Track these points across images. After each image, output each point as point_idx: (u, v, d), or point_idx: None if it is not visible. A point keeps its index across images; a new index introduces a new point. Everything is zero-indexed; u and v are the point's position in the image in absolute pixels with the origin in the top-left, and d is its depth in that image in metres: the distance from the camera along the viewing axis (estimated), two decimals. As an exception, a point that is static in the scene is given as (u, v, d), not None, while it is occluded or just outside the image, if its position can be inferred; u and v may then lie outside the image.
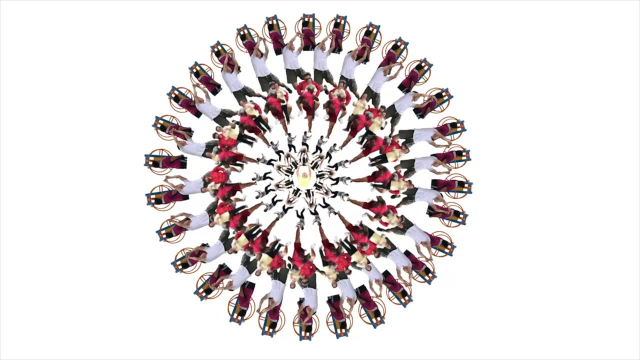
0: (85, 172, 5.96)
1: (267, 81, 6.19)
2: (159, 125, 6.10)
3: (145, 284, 5.93)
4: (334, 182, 6.22)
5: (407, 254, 6.09)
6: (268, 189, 6.20)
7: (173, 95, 6.16)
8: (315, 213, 6.20)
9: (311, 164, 6.20)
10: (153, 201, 6.05)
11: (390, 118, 6.24)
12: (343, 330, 5.87)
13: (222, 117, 6.19)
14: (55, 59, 5.99)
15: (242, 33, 6.14)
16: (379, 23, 6.07)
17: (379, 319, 5.92)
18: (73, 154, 5.96)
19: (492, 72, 6.08)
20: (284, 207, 6.21)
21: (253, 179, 6.20)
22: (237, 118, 6.18)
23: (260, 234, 6.05)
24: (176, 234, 6.07)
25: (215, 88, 6.25)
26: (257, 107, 6.16)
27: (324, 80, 6.27)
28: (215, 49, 6.16)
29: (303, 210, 6.22)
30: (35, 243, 5.87)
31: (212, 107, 6.14)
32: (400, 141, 6.14)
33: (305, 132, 6.22)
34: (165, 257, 5.94)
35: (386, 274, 6.07)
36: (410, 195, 6.12)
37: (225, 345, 5.91)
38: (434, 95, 6.12)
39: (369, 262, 5.94)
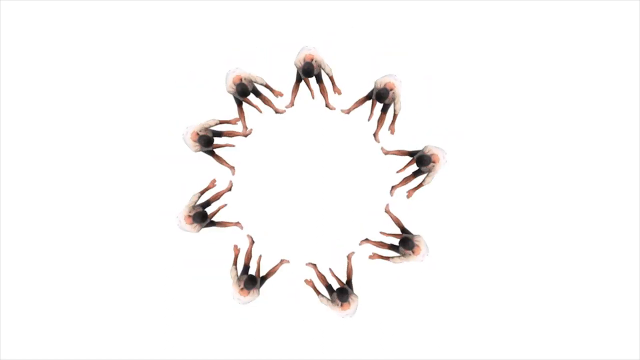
0: (88, 174, 5.95)
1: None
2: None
3: (146, 285, 5.93)
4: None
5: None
6: None
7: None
8: None
9: None
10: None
11: None
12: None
13: None
14: (55, 59, 5.95)
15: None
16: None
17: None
18: (74, 155, 5.95)
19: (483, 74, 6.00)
20: None
21: None
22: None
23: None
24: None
25: None
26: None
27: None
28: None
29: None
30: (35, 243, 5.87)
31: None
32: None
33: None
34: (165, 258, 5.93)
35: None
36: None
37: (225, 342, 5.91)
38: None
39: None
